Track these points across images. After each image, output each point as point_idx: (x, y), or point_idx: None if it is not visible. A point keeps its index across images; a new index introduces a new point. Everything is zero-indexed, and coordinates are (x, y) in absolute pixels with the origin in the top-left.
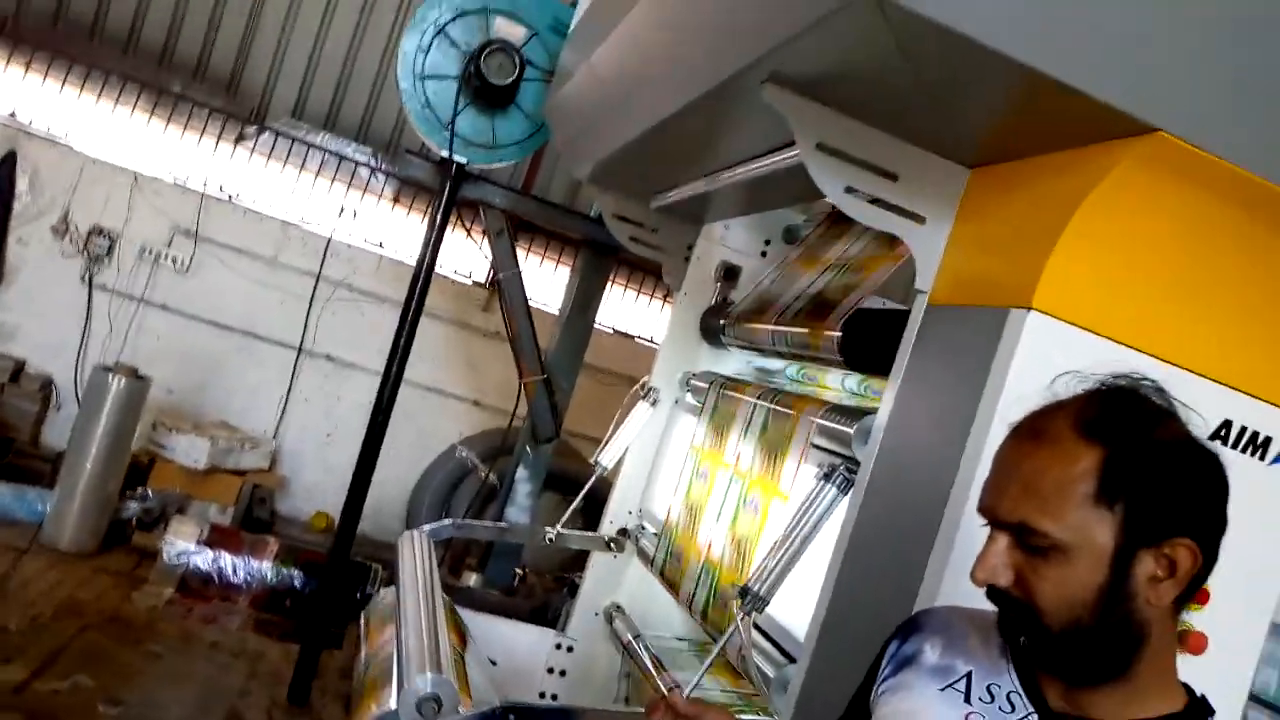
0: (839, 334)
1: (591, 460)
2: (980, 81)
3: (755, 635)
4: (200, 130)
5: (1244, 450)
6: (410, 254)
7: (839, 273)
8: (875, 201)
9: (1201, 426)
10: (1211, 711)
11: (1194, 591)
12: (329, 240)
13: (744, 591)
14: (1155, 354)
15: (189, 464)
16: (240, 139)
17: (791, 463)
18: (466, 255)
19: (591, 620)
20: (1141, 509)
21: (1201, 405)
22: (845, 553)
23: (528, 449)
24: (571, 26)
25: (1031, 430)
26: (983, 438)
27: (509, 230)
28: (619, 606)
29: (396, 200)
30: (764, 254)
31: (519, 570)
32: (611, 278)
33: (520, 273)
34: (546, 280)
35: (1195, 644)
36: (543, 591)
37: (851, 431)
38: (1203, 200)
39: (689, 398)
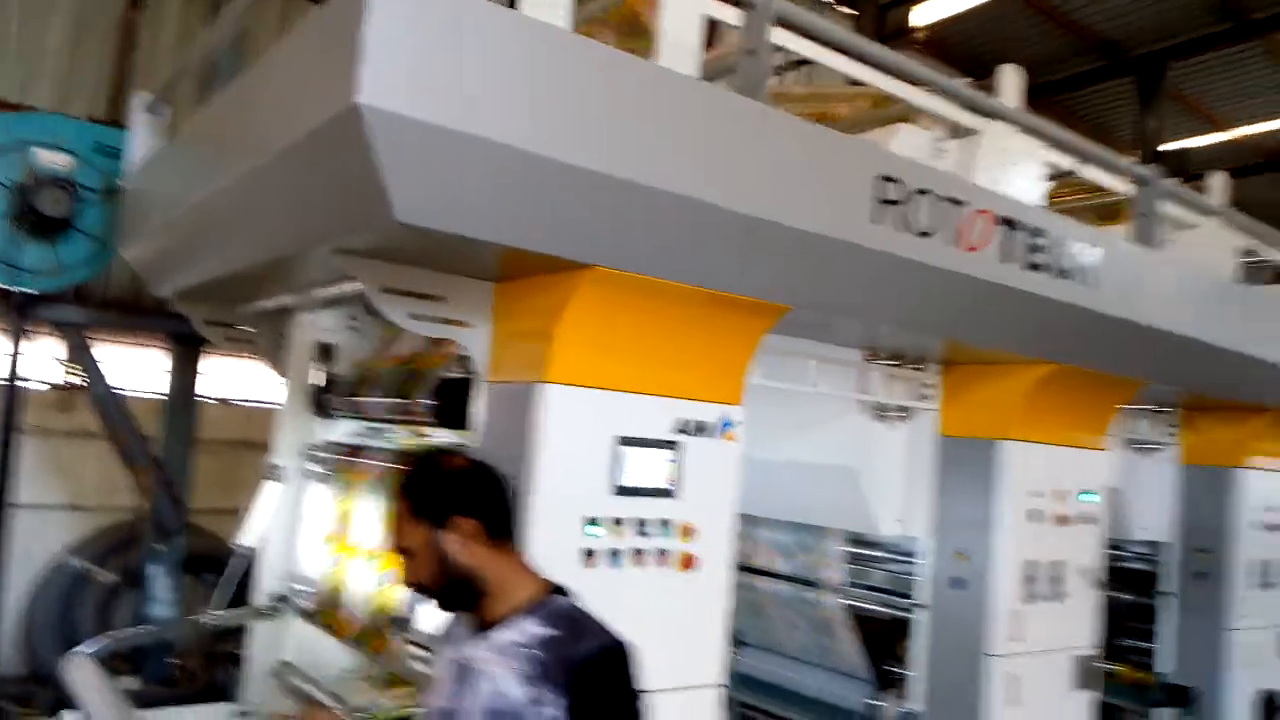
0: (430, 402)
1: (232, 545)
2: (478, 249)
3: (410, 647)
4: None
5: (698, 434)
6: None
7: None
8: (432, 318)
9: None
10: (564, 591)
11: (498, 535)
12: None
13: (395, 620)
14: (631, 390)
15: None
16: None
17: None
18: (34, 362)
19: (264, 682)
20: (430, 514)
21: (664, 413)
22: None
23: (157, 545)
24: (136, 158)
25: (395, 491)
26: (535, 467)
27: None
28: (287, 662)
29: None
30: (353, 328)
31: (175, 660)
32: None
33: (109, 385)
34: (139, 363)
35: (690, 563)
36: (205, 672)
37: None
38: (636, 296)
39: (313, 468)
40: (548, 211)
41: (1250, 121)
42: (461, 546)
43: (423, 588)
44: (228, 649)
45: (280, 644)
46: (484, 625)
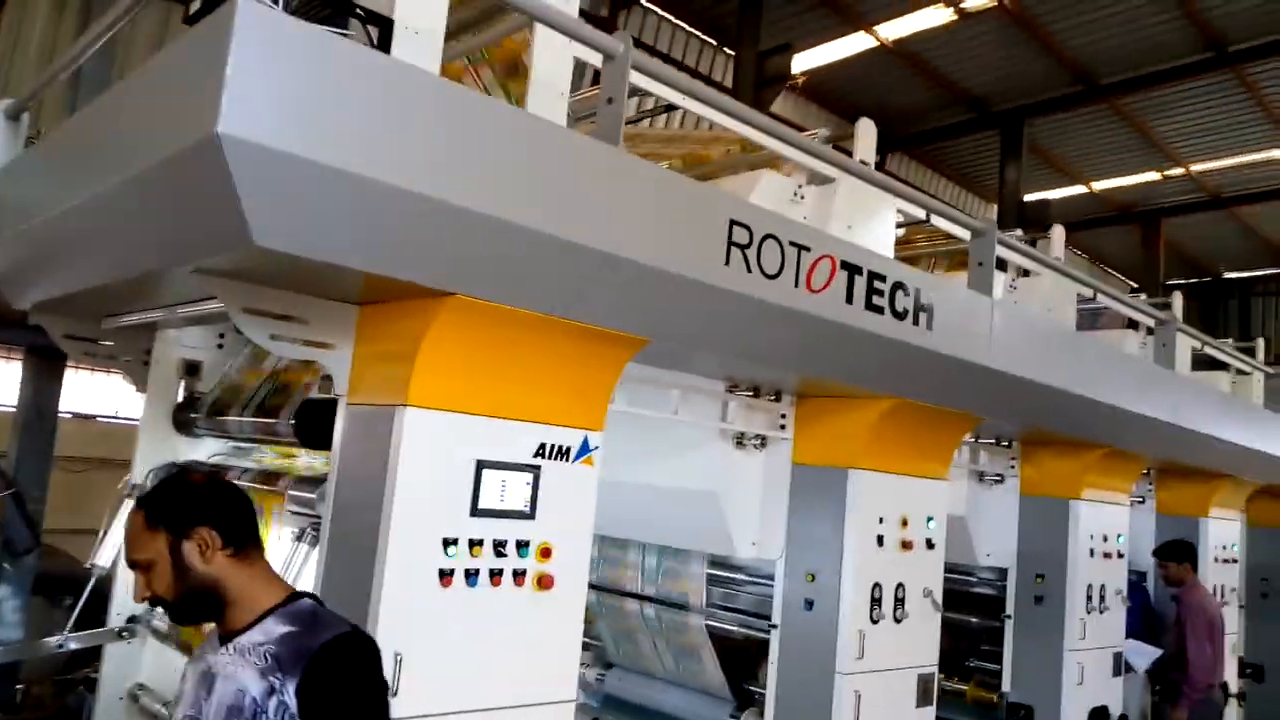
0: (292, 422)
1: (88, 564)
2: (339, 273)
3: None
4: None
5: (557, 458)
6: None
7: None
8: (293, 340)
9: None
10: (307, 596)
11: (238, 545)
12: None
13: None
14: (491, 414)
15: None
16: None
17: (274, 531)
18: None
19: (116, 705)
20: (169, 524)
21: (524, 437)
22: (322, 588)
23: (5, 565)
24: None
25: (129, 515)
26: (393, 489)
27: None
28: (142, 685)
29: None
30: (220, 346)
31: (21, 686)
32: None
33: None
34: None
35: (547, 583)
36: (54, 698)
37: (315, 496)
38: (497, 324)
39: None
40: (407, 242)
41: (1104, 176)
42: (200, 557)
43: (161, 600)
44: (79, 673)
45: (135, 666)
46: (228, 634)
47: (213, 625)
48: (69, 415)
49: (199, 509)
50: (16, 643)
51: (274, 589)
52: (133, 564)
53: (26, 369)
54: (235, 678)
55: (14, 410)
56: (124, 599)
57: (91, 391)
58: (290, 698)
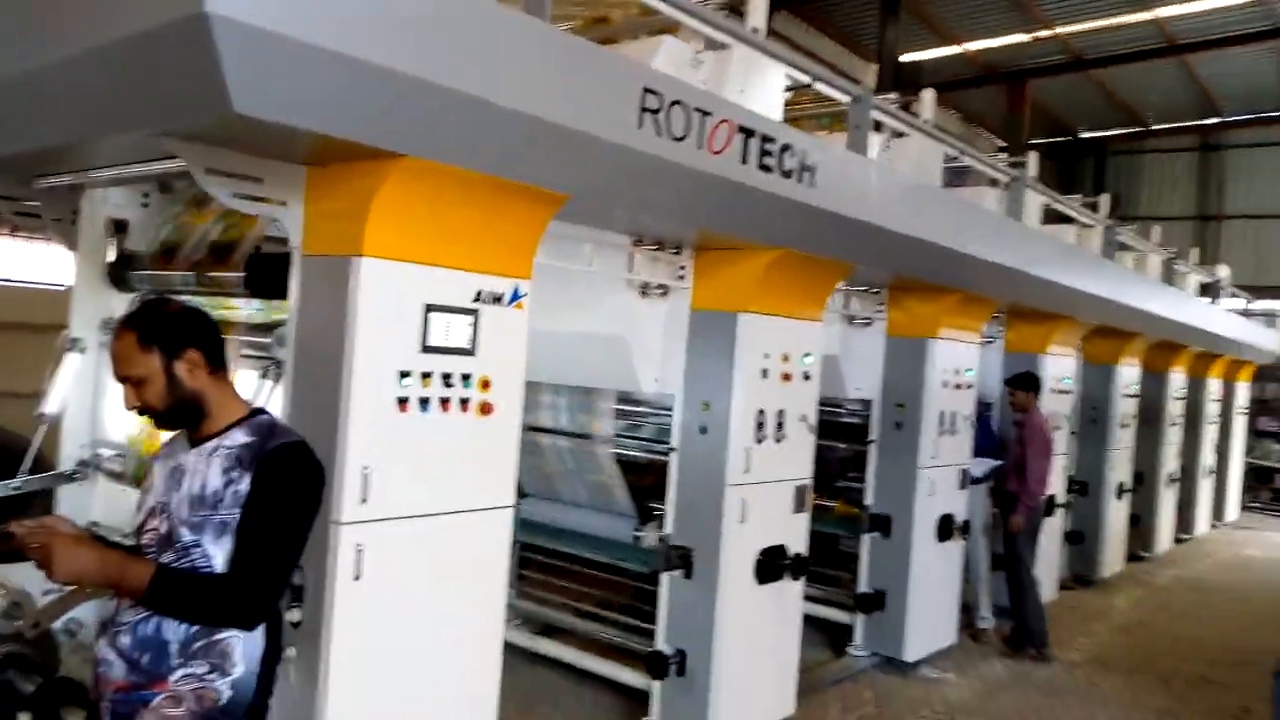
0: (242, 274)
1: (36, 413)
2: (300, 136)
3: None
4: None
5: (493, 303)
6: None
7: (231, 219)
8: (252, 197)
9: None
10: (264, 412)
11: (217, 365)
12: None
13: None
14: (433, 264)
15: None
16: None
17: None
18: None
19: None
20: (163, 343)
21: (464, 284)
22: (291, 417)
23: None
24: None
25: (116, 330)
26: (354, 328)
27: None
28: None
29: None
30: (145, 205)
31: None
32: None
33: None
34: None
35: (487, 409)
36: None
37: (271, 340)
38: (440, 182)
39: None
40: (367, 108)
41: (978, 37)
42: (189, 373)
43: (151, 410)
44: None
45: (88, 506)
46: (197, 439)
47: (181, 430)
48: None
49: (188, 332)
50: None
51: (239, 404)
52: (123, 379)
53: None
54: (201, 474)
55: None
56: (70, 446)
57: (6, 258)
58: (244, 487)
